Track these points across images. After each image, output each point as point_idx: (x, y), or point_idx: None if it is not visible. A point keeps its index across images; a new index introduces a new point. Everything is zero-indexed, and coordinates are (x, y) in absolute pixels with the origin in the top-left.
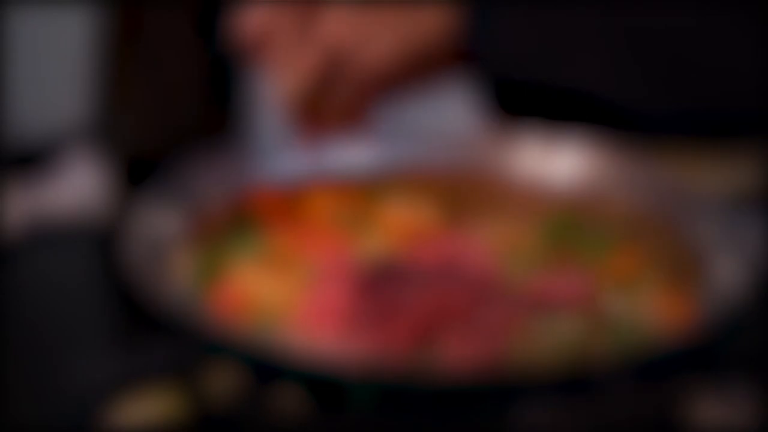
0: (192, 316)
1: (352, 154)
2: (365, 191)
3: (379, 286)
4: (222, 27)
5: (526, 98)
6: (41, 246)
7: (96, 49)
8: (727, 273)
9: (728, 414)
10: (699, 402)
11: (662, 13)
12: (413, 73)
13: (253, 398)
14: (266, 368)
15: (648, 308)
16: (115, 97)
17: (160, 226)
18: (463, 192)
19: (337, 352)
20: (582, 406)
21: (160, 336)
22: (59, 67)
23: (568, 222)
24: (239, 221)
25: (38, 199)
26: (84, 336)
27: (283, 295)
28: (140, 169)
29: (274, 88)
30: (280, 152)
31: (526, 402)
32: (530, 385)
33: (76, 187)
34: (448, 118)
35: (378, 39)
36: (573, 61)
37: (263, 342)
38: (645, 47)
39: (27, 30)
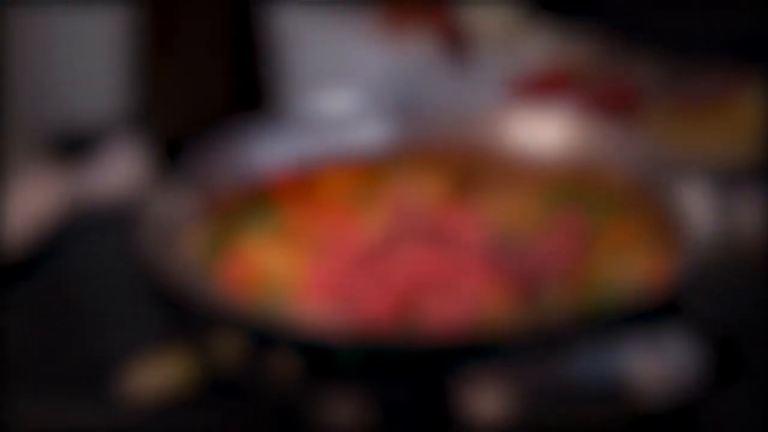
0: (200, 288)
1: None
2: (375, 169)
3: (370, 257)
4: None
5: None
6: (83, 228)
7: (132, 43)
8: (702, 238)
9: (674, 368)
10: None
11: None
12: None
13: (253, 364)
14: (263, 336)
15: (633, 271)
16: (150, 88)
17: (177, 205)
18: (467, 168)
19: (328, 321)
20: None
21: (172, 307)
22: (99, 60)
23: (563, 192)
24: (254, 199)
25: (81, 184)
26: (111, 310)
27: (290, 269)
28: (175, 154)
29: None
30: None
31: (502, 363)
32: (506, 346)
33: (117, 173)
34: (456, 96)
35: None
36: None
37: (266, 313)
38: None
39: (69, 27)
